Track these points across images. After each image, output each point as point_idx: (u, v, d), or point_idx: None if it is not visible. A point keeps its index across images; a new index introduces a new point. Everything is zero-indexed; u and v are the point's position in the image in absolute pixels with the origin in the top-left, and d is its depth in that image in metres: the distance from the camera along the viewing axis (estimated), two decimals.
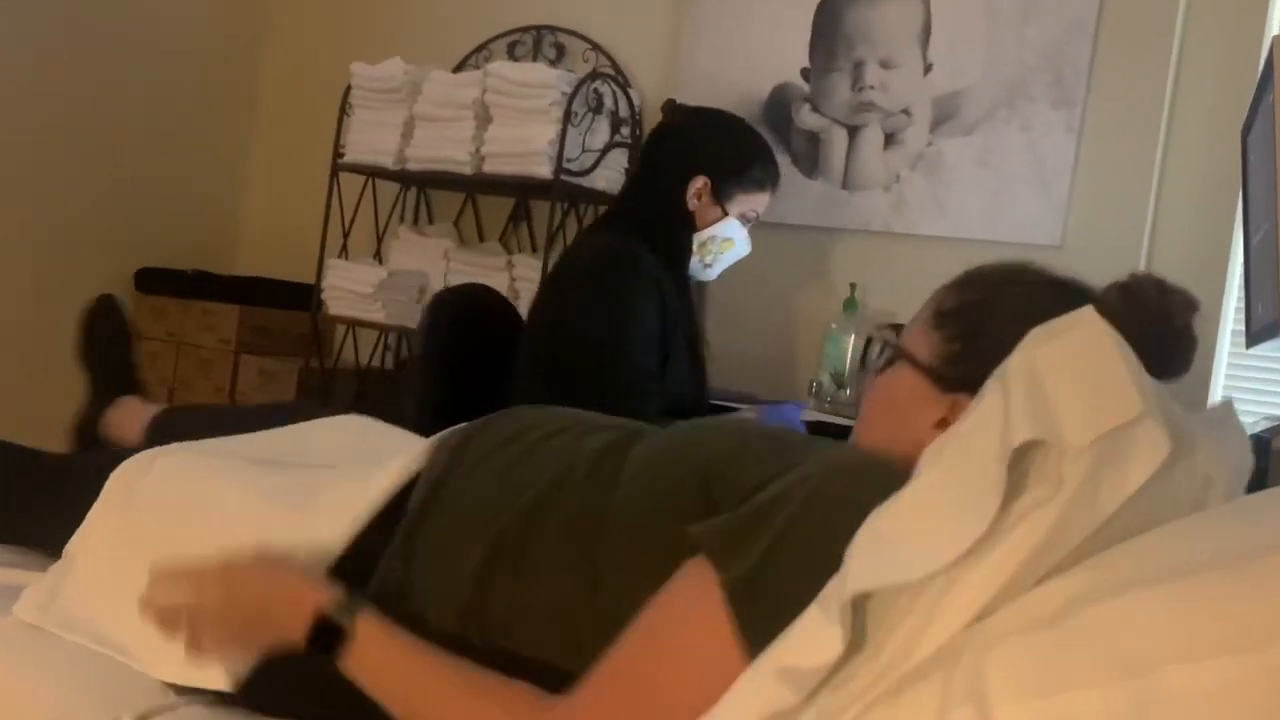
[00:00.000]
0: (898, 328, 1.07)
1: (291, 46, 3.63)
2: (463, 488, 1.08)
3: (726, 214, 2.05)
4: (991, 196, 2.50)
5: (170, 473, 1.23)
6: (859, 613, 0.73)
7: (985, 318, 0.98)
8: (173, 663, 1.04)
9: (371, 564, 1.05)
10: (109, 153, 3.30)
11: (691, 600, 0.82)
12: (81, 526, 1.22)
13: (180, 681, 1.07)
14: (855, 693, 0.72)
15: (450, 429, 1.19)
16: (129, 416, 1.71)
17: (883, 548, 0.74)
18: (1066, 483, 0.72)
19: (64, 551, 1.22)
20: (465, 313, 2.08)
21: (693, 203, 2.02)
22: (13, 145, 3.10)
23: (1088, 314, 0.77)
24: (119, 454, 1.31)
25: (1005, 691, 0.63)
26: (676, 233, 2.02)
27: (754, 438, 0.98)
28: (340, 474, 1.19)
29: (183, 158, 3.50)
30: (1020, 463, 0.74)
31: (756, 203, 2.09)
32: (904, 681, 0.70)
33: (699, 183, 2.02)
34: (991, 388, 0.79)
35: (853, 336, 2.50)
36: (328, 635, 0.92)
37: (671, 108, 2.31)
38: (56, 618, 1.17)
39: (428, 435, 1.23)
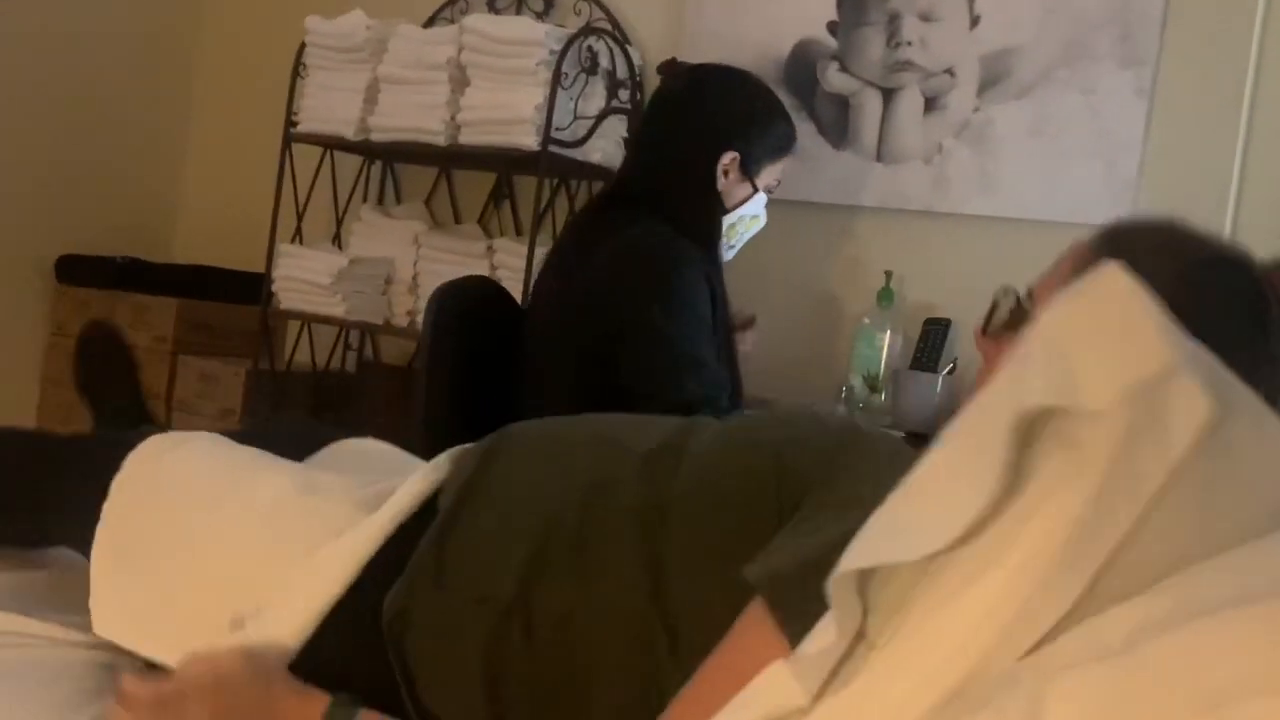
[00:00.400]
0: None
1: (236, 3, 3.44)
2: (499, 487, 1.09)
3: (756, 190, 1.99)
4: (1048, 171, 2.36)
5: (205, 450, 1.25)
6: (871, 607, 0.75)
7: None
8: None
9: (399, 571, 1.06)
10: (28, 125, 3.10)
11: (757, 661, 0.81)
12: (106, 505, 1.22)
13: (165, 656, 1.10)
14: (861, 690, 0.72)
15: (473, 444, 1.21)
16: None
17: (885, 526, 0.76)
18: (1093, 452, 0.70)
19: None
20: (473, 308, 2.04)
21: (721, 181, 1.95)
22: None
23: (1112, 270, 0.74)
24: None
25: None
26: (708, 217, 1.95)
27: (818, 431, 1.01)
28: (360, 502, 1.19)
29: (112, 129, 3.31)
30: (1042, 436, 0.72)
31: (781, 171, 2.06)
32: (958, 712, 0.69)
33: (727, 158, 1.94)
34: (1012, 355, 0.78)
35: (888, 333, 2.39)
36: None
37: (672, 68, 2.19)
38: None
39: (439, 445, 1.24)
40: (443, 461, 1.15)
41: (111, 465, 1.22)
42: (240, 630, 1.04)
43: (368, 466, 1.33)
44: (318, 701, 0.97)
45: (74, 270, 3.09)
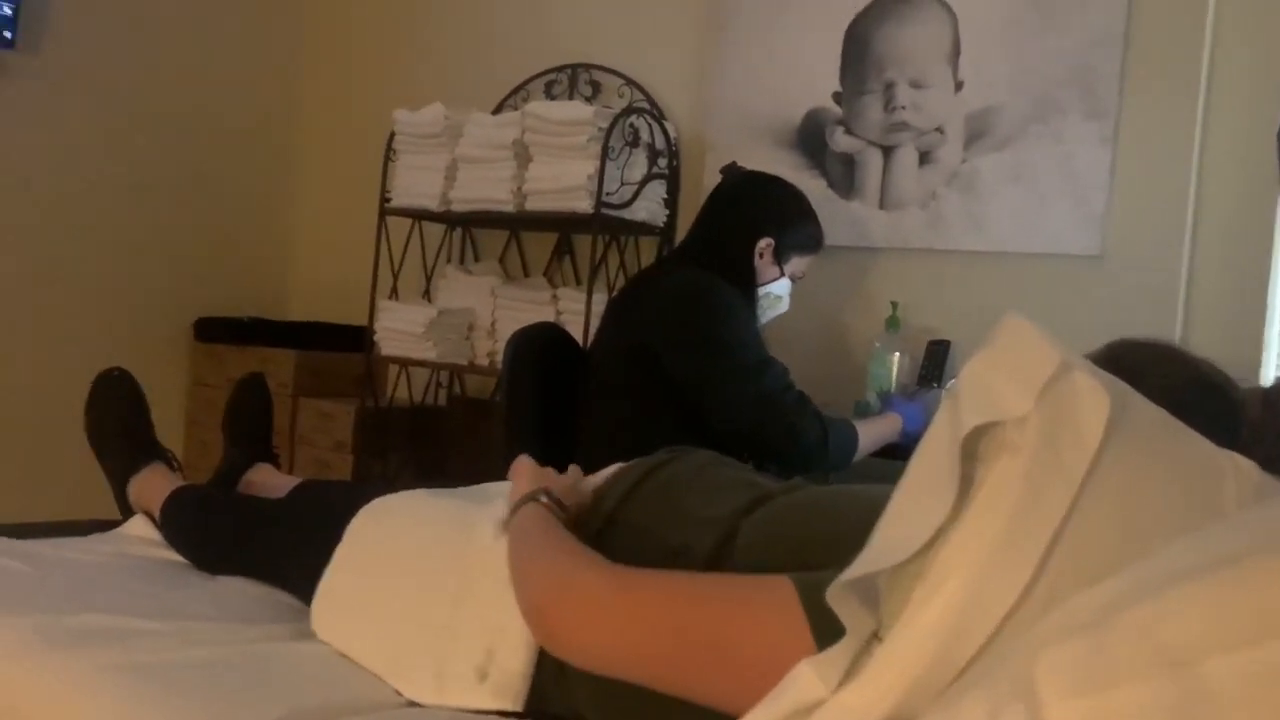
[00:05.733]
0: None
1: (334, 98, 3.75)
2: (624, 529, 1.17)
3: (783, 273, 2.24)
4: (1028, 210, 2.51)
5: (420, 500, 1.36)
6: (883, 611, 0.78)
7: None
8: (426, 682, 1.15)
9: None
10: (166, 210, 3.45)
11: (769, 623, 0.87)
12: (335, 556, 1.32)
13: (431, 702, 1.15)
14: (865, 679, 0.75)
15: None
16: (268, 482, 1.86)
17: (873, 544, 0.80)
18: (1022, 446, 0.76)
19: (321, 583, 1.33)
20: (543, 349, 2.29)
21: (756, 260, 2.20)
22: (81, 210, 3.26)
23: (1009, 318, 0.83)
24: (351, 492, 1.44)
25: (1054, 691, 0.64)
26: (745, 278, 2.18)
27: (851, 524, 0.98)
28: None
29: (235, 210, 3.64)
30: (984, 452, 0.79)
31: (806, 264, 2.29)
32: (953, 691, 0.73)
33: (763, 243, 2.19)
34: (943, 404, 0.84)
35: (897, 354, 2.53)
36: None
37: (732, 170, 2.43)
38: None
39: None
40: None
41: (343, 517, 1.33)
42: (486, 679, 1.11)
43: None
44: None
45: (209, 330, 3.38)
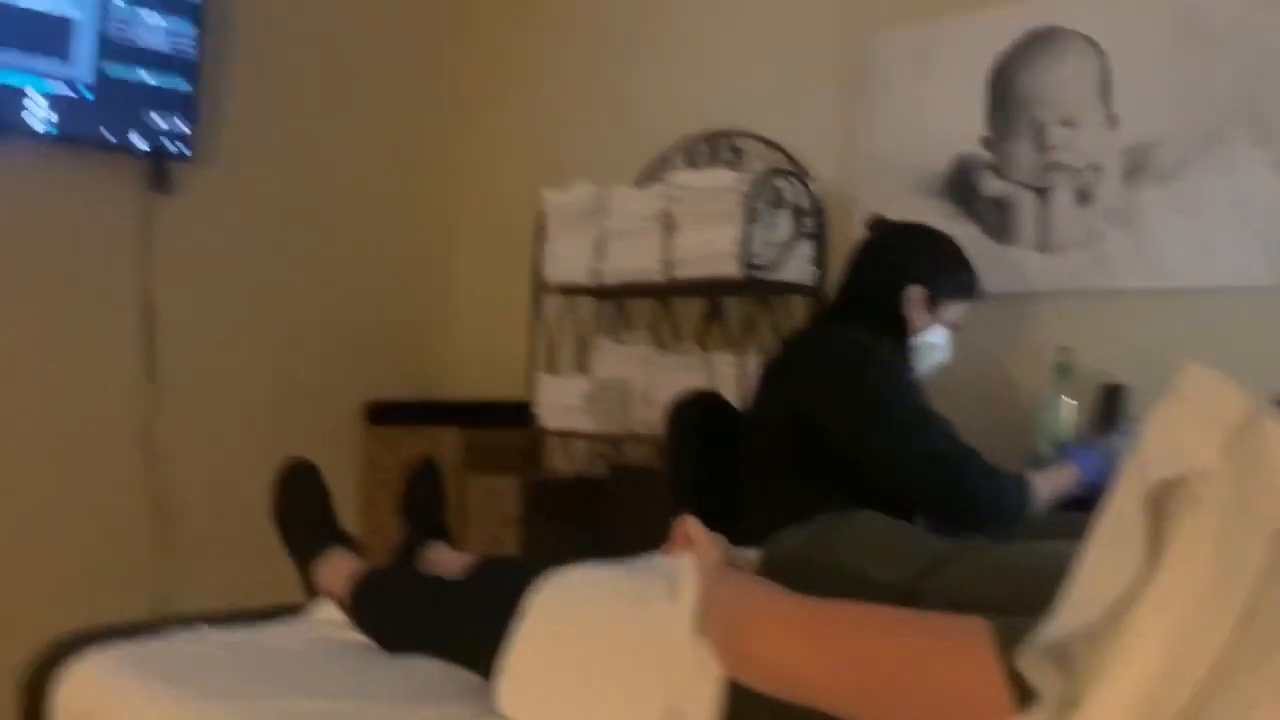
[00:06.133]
0: None
1: (485, 181, 3.88)
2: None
3: (938, 322, 2.21)
4: (1198, 243, 2.41)
5: (598, 572, 1.39)
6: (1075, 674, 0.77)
7: None
8: None
9: None
10: (334, 299, 3.64)
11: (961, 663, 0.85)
12: (519, 631, 1.33)
13: None
14: None
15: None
16: (445, 560, 1.93)
17: (1062, 608, 0.79)
18: (1212, 501, 0.75)
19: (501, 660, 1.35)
20: (701, 415, 2.31)
21: (908, 311, 2.17)
22: (254, 304, 3.47)
23: (1189, 368, 0.83)
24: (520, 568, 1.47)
25: None
26: (898, 337, 2.17)
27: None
28: None
29: (396, 295, 3.80)
30: (1174, 508, 0.78)
31: (963, 311, 2.25)
32: None
33: (915, 292, 2.17)
34: (1127, 457, 0.84)
35: (1068, 402, 2.43)
36: None
37: (879, 223, 2.40)
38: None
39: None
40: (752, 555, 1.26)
41: (522, 593, 1.36)
42: None
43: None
44: None
45: (379, 413, 3.52)
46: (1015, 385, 2.65)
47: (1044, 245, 2.61)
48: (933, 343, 2.21)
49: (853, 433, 1.99)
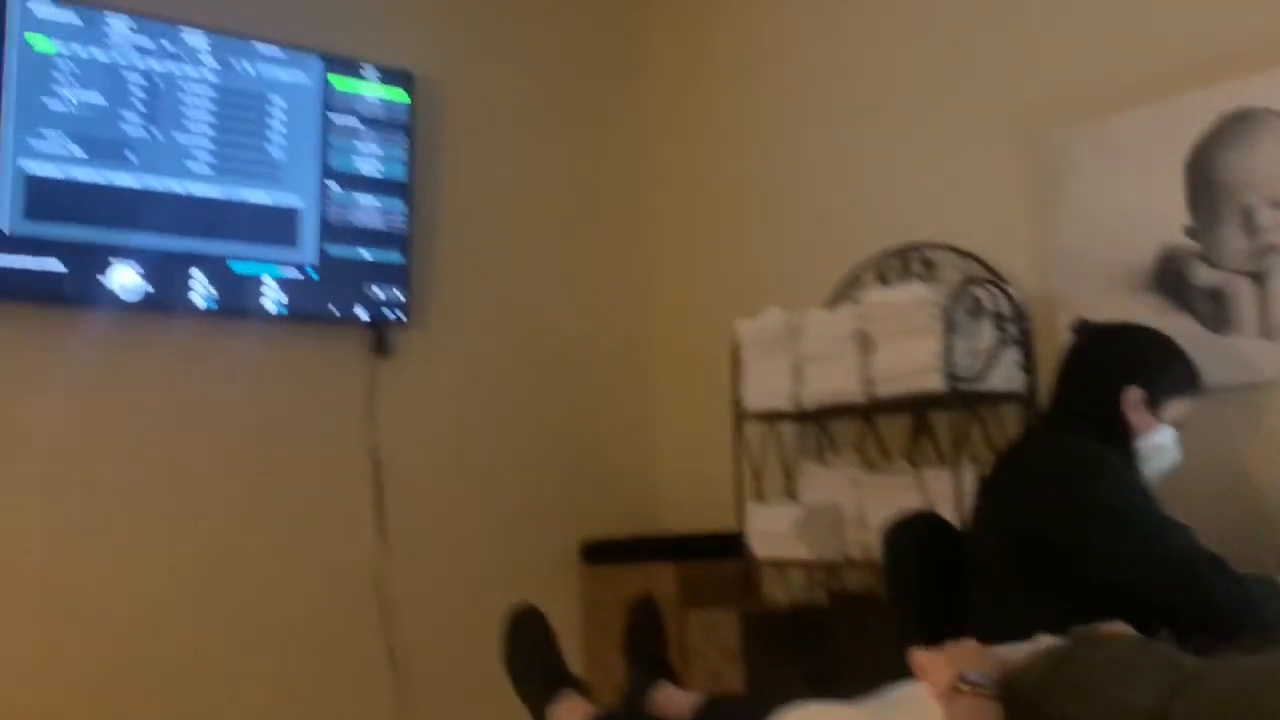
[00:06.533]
0: None
1: (681, 317, 4.00)
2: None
3: (1161, 422, 2.14)
4: None
5: (833, 710, 1.41)
6: None
7: None
8: None
9: None
10: (547, 443, 3.79)
11: None
12: None
13: None
14: None
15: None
16: (672, 700, 1.95)
17: None
18: None
19: None
20: (921, 537, 2.26)
21: (1129, 415, 2.11)
22: (472, 454, 3.64)
23: None
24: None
25: None
26: (1121, 443, 2.10)
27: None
28: None
29: (605, 435, 3.92)
30: None
31: (1186, 408, 2.18)
32: None
33: (1133, 394, 2.11)
34: None
35: None
36: None
37: (1083, 326, 2.35)
38: None
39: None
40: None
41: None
42: None
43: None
44: None
45: (595, 552, 3.60)
46: (1256, 481, 2.49)
47: (1267, 331, 2.48)
48: (1160, 444, 2.14)
49: (1090, 546, 1.93)
